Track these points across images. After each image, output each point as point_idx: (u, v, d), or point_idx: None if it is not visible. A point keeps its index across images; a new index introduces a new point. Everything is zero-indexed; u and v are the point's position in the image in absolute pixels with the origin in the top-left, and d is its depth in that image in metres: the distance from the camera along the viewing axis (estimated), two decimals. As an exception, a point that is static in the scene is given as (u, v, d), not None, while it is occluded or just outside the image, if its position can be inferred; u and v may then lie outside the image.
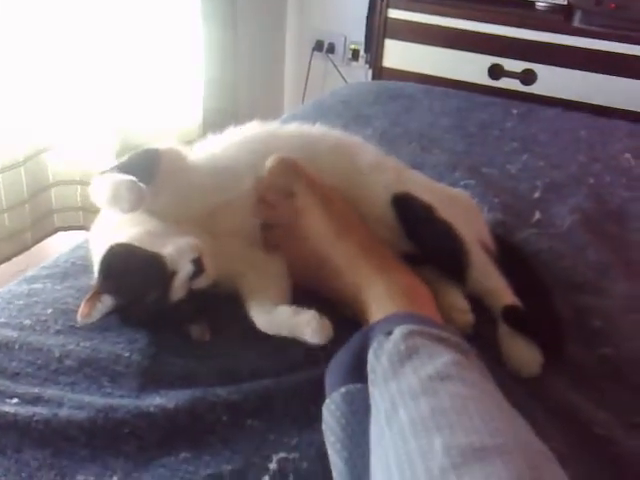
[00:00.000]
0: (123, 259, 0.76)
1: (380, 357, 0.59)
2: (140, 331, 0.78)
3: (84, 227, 1.87)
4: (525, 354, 0.77)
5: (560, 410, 0.73)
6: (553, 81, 2.06)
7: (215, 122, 2.11)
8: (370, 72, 2.36)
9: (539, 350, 0.77)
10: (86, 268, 0.89)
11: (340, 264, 0.78)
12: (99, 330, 0.78)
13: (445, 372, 0.56)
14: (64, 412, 0.66)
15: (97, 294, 0.75)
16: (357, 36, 2.55)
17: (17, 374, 0.72)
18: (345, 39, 2.61)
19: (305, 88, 2.66)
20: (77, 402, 0.68)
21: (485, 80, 2.12)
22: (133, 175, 0.77)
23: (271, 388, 0.71)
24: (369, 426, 0.58)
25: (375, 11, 2.25)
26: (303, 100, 2.62)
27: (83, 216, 1.91)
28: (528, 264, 0.93)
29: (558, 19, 2.07)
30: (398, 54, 2.21)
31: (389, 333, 0.61)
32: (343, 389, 0.62)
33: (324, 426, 0.62)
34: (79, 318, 0.74)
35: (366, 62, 2.55)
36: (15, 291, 0.86)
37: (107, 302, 0.75)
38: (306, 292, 0.80)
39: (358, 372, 0.62)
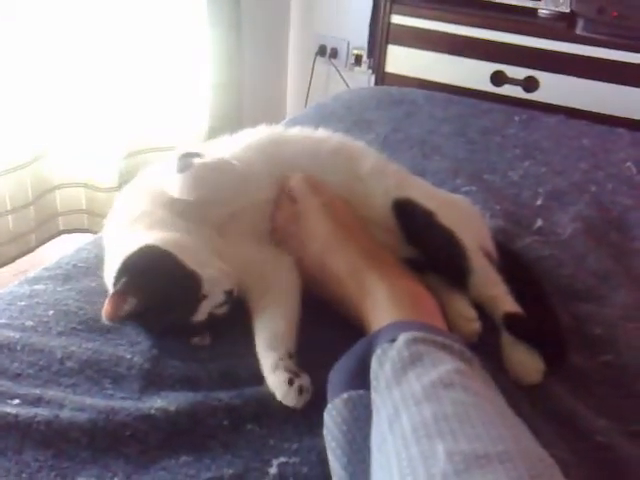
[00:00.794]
0: (157, 265, 0.75)
1: (384, 364, 0.60)
2: (142, 334, 0.78)
3: (88, 230, 1.87)
4: (526, 362, 0.77)
5: (561, 417, 0.73)
6: (555, 88, 2.06)
7: (221, 126, 2.12)
8: (373, 77, 2.37)
9: (541, 358, 0.77)
10: (88, 270, 0.90)
11: (342, 271, 0.78)
12: (101, 332, 0.79)
13: (448, 379, 0.56)
14: (65, 414, 0.66)
15: (123, 294, 0.73)
16: (360, 41, 2.56)
17: (19, 375, 0.72)
18: (348, 44, 2.62)
19: (308, 93, 2.67)
20: (78, 404, 0.68)
21: (487, 87, 2.12)
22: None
23: (272, 393, 0.71)
24: (370, 433, 0.58)
25: (378, 17, 2.25)
26: (306, 105, 2.62)
27: (87, 219, 1.92)
28: (529, 271, 0.93)
29: (561, 27, 2.07)
30: (401, 60, 2.22)
31: (393, 340, 0.61)
32: (345, 395, 0.62)
33: (325, 431, 0.62)
34: (104, 318, 0.72)
35: (369, 67, 2.55)
36: (17, 292, 0.86)
37: (132, 304, 0.73)
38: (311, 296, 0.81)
39: (361, 378, 0.62)
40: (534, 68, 2.07)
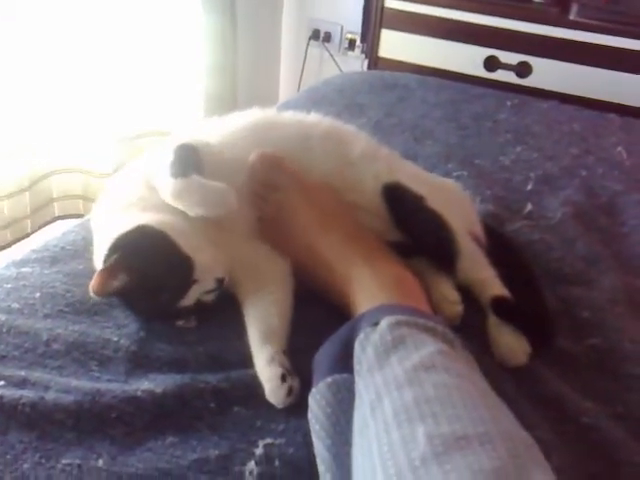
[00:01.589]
0: (152, 244, 0.74)
1: (366, 348, 0.60)
2: (130, 316, 0.78)
3: (84, 216, 1.86)
4: (512, 344, 0.77)
5: (547, 399, 0.74)
6: (548, 74, 2.05)
7: (216, 109, 2.11)
8: (366, 62, 2.35)
9: (527, 340, 0.77)
10: (76, 253, 0.89)
11: (327, 257, 0.78)
12: (87, 314, 0.78)
13: (430, 362, 0.56)
14: (51, 395, 0.66)
15: (114, 270, 0.72)
16: (354, 26, 2.54)
17: (4, 357, 0.72)
18: (342, 28, 2.60)
19: (301, 77, 2.66)
20: (64, 386, 0.68)
21: (480, 72, 2.11)
22: (190, 169, 0.76)
23: (258, 376, 0.71)
24: (353, 416, 0.58)
25: (372, 1, 2.24)
26: (299, 89, 2.61)
27: (83, 204, 1.91)
28: (518, 255, 0.93)
29: (554, 12, 2.06)
30: (394, 44, 2.21)
31: (375, 324, 0.61)
32: (329, 379, 0.62)
33: (310, 414, 0.62)
34: (91, 291, 0.72)
35: (362, 52, 2.54)
36: (3, 275, 0.85)
37: (122, 281, 0.72)
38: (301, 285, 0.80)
39: (345, 362, 0.62)
40: (527, 53, 2.06)
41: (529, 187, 1.24)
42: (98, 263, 0.77)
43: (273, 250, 0.83)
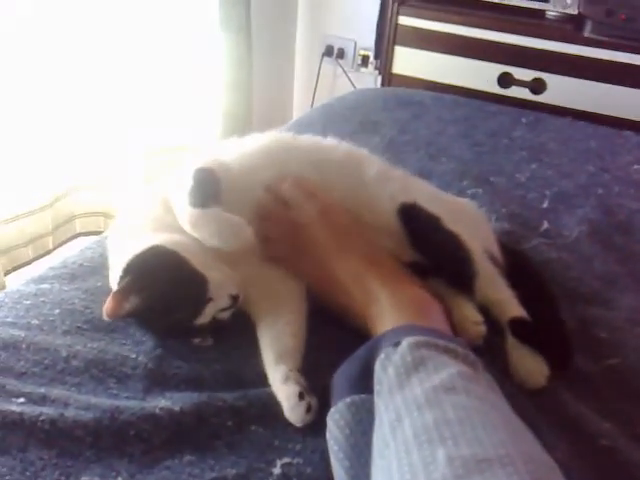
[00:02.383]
0: (164, 265, 0.75)
1: (387, 368, 0.59)
2: (146, 333, 0.79)
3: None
4: (530, 366, 0.77)
5: (566, 421, 0.73)
6: (563, 91, 2.05)
7: (231, 124, 2.16)
8: (379, 78, 2.36)
9: (545, 362, 0.77)
10: (94, 270, 0.90)
11: (344, 280, 0.78)
12: (106, 331, 0.79)
13: (450, 384, 0.55)
14: (70, 412, 0.67)
15: (126, 292, 0.73)
16: (367, 42, 2.56)
17: (24, 374, 0.73)
18: (355, 45, 2.62)
19: (314, 93, 2.67)
20: (83, 403, 0.68)
21: (495, 89, 2.11)
22: (208, 199, 0.77)
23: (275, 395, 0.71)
24: (372, 437, 0.58)
25: (385, 17, 2.25)
26: (312, 105, 2.62)
27: (104, 222, 1.93)
28: (535, 274, 0.93)
29: (569, 29, 2.07)
30: (408, 61, 2.21)
31: (396, 344, 0.61)
32: (348, 399, 0.62)
33: (328, 435, 0.62)
34: (104, 315, 0.73)
35: (375, 68, 2.55)
36: (23, 291, 0.86)
37: (134, 303, 0.73)
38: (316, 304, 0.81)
39: (364, 383, 0.62)
40: (541, 70, 2.06)
41: (545, 205, 1.24)
42: (113, 284, 0.78)
43: (287, 270, 0.83)
